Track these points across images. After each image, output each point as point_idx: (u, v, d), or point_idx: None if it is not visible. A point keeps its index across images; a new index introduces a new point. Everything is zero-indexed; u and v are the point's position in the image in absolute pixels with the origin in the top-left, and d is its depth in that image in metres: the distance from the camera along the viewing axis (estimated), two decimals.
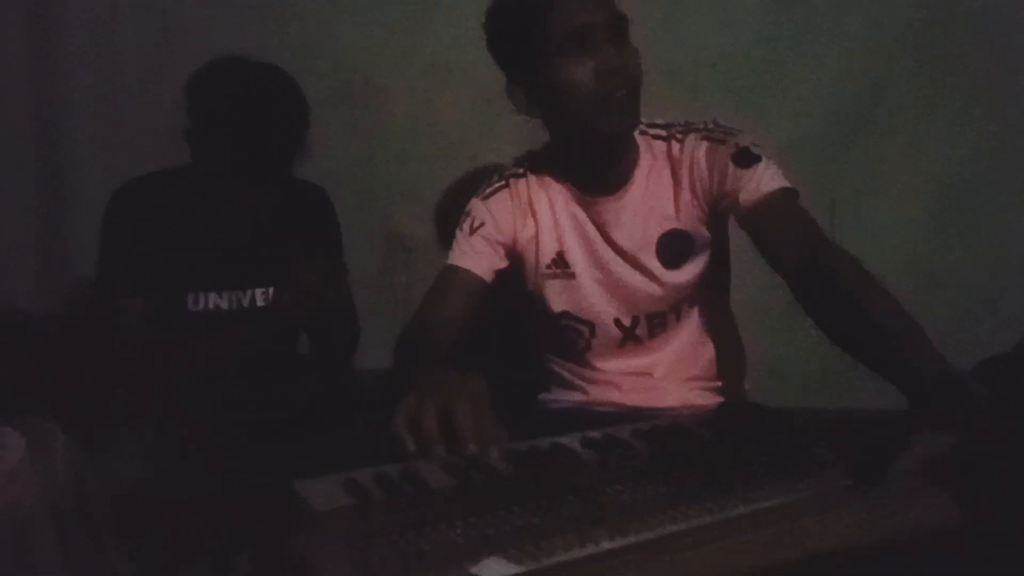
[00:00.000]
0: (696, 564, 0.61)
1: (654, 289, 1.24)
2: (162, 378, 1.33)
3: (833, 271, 1.00)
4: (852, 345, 0.94)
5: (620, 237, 1.23)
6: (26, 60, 1.95)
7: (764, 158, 1.13)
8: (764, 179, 1.11)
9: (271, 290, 1.48)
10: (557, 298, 1.26)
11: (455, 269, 1.22)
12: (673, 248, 1.22)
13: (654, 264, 1.22)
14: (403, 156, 2.10)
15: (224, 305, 1.46)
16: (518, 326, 1.39)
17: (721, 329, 1.32)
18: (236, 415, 1.20)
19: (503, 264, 1.25)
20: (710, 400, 1.29)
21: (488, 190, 1.27)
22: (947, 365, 0.83)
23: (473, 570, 0.58)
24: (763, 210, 1.11)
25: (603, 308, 1.26)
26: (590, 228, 1.24)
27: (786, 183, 1.13)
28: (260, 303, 1.48)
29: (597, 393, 1.31)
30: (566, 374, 1.34)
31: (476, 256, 1.23)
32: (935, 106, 1.93)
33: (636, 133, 1.21)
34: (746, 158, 1.13)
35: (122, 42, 2.01)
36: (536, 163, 1.28)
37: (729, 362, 1.33)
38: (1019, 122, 1.92)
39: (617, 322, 1.26)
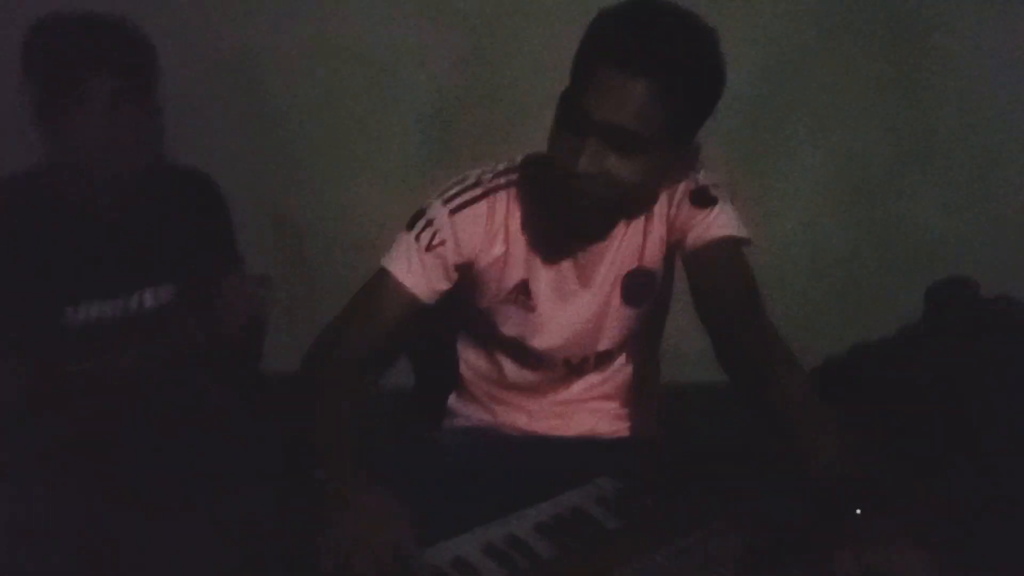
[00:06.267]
0: None
1: (613, 328, 1.18)
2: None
3: (756, 345, 0.99)
4: (761, 418, 0.96)
5: (594, 277, 1.16)
6: None
7: (721, 201, 1.09)
8: (716, 224, 1.08)
9: (160, 289, 1.35)
10: (509, 324, 1.18)
11: (397, 285, 1.10)
12: (637, 286, 1.16)
13: (617, 302, 1.17)
14: (288, 136, 1.99)
15: (109, 312, 1.32)
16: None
17: (646, 360, 1.28)
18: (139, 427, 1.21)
19: (448, 286, 1.14)
20: (618, 426, 1.26)
21: (462, 199, 1.12)
22: (848, 464, 0.86)
23: None
24: (705, 256, 1.07)
25: (557, 346, 1.19)
26: (566, 265, 1.15)
27: (736, 232, 1.09)
28: (150, 305, 1.35)
29: (505, 416, 1.26)
30: (479, 390, 1.29)
31: (424, 276, 1.10)
32: (843, 88, 1.90)
33: None
34: (702, 199, 1.08)
35: None
36: (525, 178, 1.15)
37: (646, 391, 1.30)
38: (928, 109, 1.91)
39: (566, 362, 1.21)
